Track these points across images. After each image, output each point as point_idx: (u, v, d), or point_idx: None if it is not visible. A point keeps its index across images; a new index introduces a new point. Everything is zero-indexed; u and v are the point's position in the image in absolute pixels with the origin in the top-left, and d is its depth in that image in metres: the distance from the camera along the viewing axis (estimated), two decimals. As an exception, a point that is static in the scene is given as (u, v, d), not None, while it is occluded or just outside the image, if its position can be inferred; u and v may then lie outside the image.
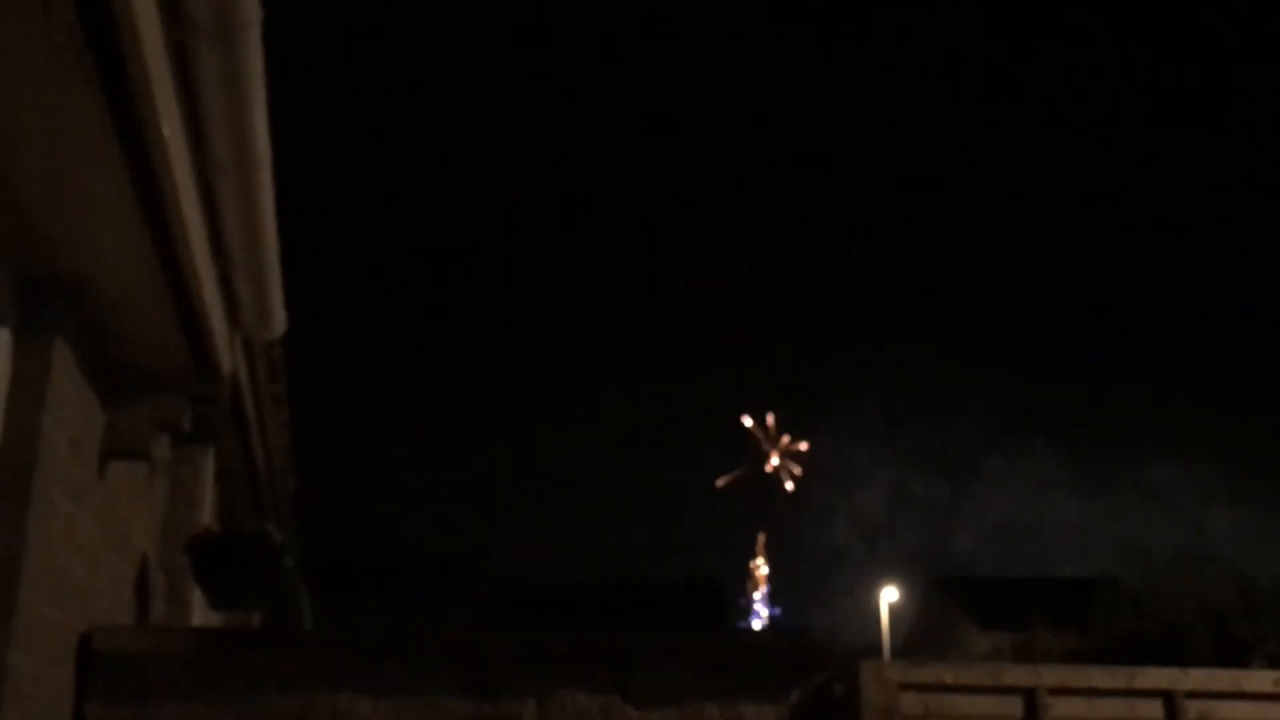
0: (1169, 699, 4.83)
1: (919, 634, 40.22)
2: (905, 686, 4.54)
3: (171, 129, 2.83)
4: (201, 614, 5.76)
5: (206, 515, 5.82)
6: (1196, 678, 4.99)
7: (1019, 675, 4.78)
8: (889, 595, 35.86)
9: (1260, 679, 5.21)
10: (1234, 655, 8.84)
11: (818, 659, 4.58)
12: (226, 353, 4.26)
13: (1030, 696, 4.67)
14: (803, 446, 71.93)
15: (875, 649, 32.48)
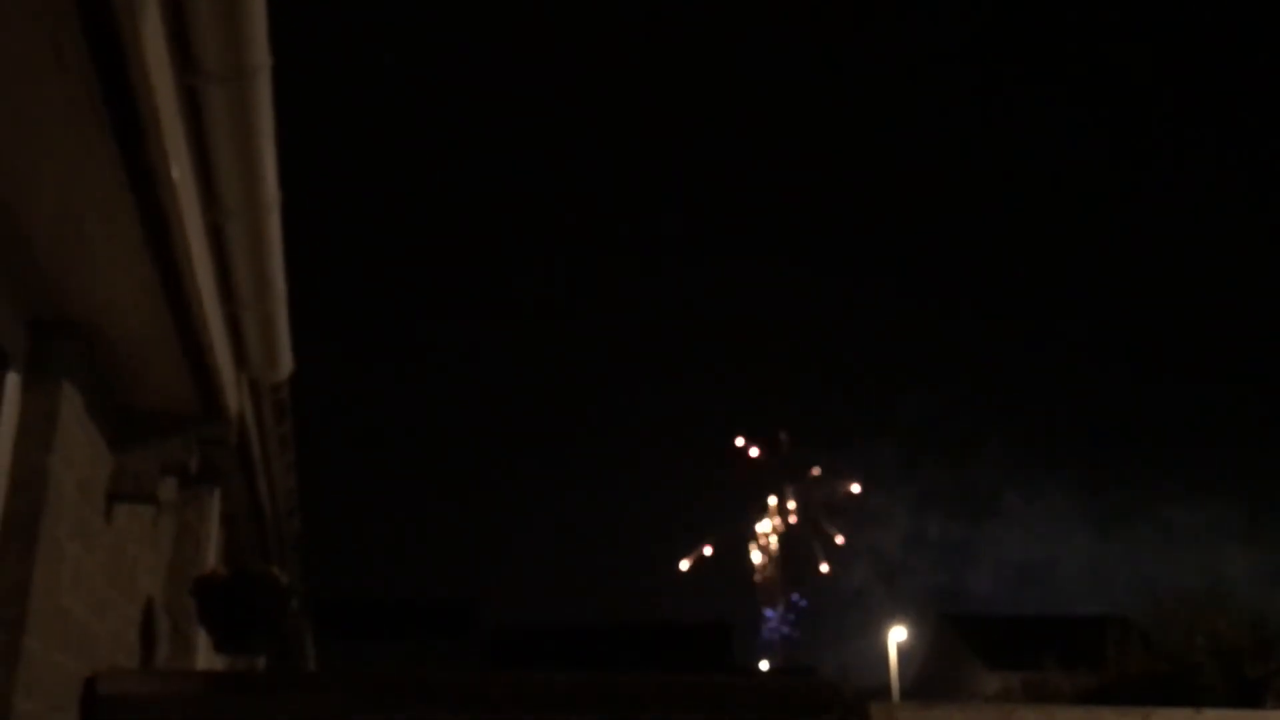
0: (1183, 739, 4.79)
1: (928, 673, 39.86)
2: (915, 728, 4.50)
3: (181, 173, 2.86)
4: (206, 656, 5.73)
5: (212, 557, 5.81)
6: (1210, 718, 4.94)
7: (1031, 716, 4.75)
8: (897, 635, 35.58)
9: (1276, 719, 5.17)
10: (1246, 694, 8.72)
11: (827, 701, 4.54)
12: (233, 395, 4.27)
13: (1042, 737, 4.63)
14: (854, 488, 68.54)
15: (886, 689, 32.16)
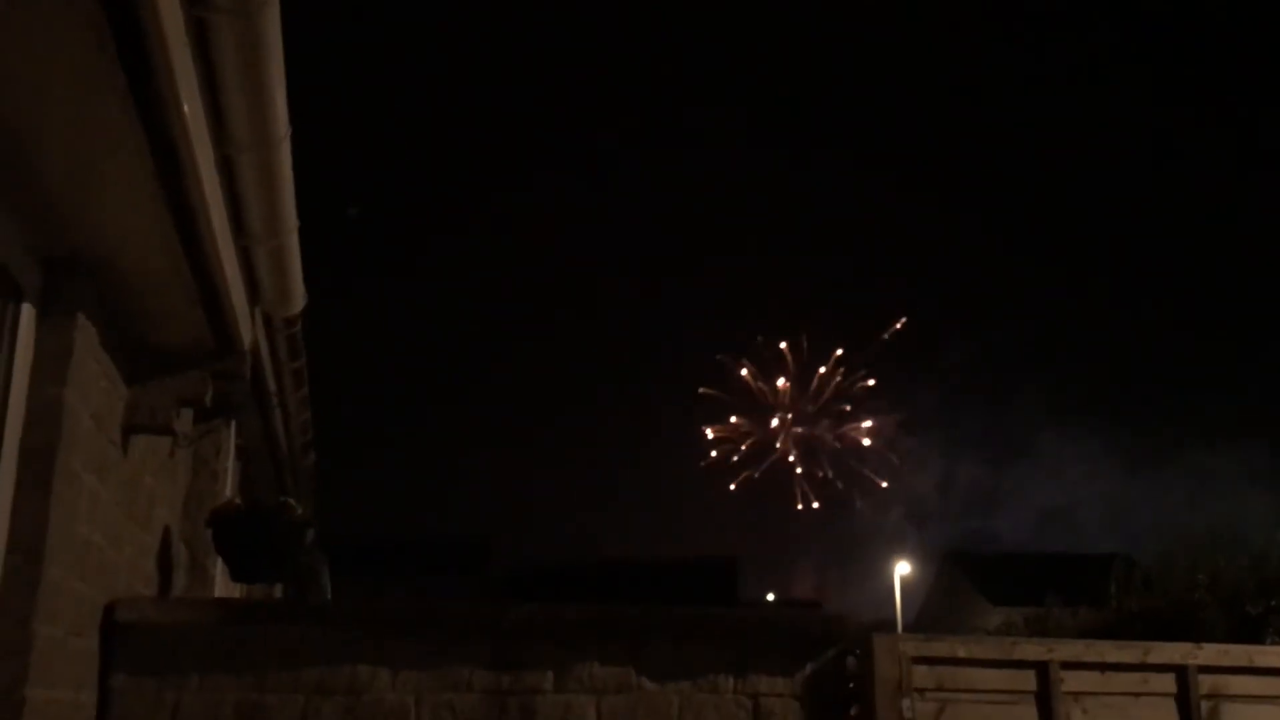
0: (1181, 673, 4.86)
1: (933, 609, 40.32)
2: (918, 660, 4.57)
3: (192, 107, 2.86)
4: (223, 586, 5.83)
5: (228, 490, 5.89)
6: (1209, 653, 5.01)
7: (1031, 649, 4.81)
8: (901, 569, 35.94)
9: (1272, 654, 5.23)
10: (1247, 630, 8.85)
11: (831, 633, 4.61)
12: (247, 329, 4.30)
13: (1043, 670, 4.70)
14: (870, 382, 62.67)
15: (891, 624, 32.58)
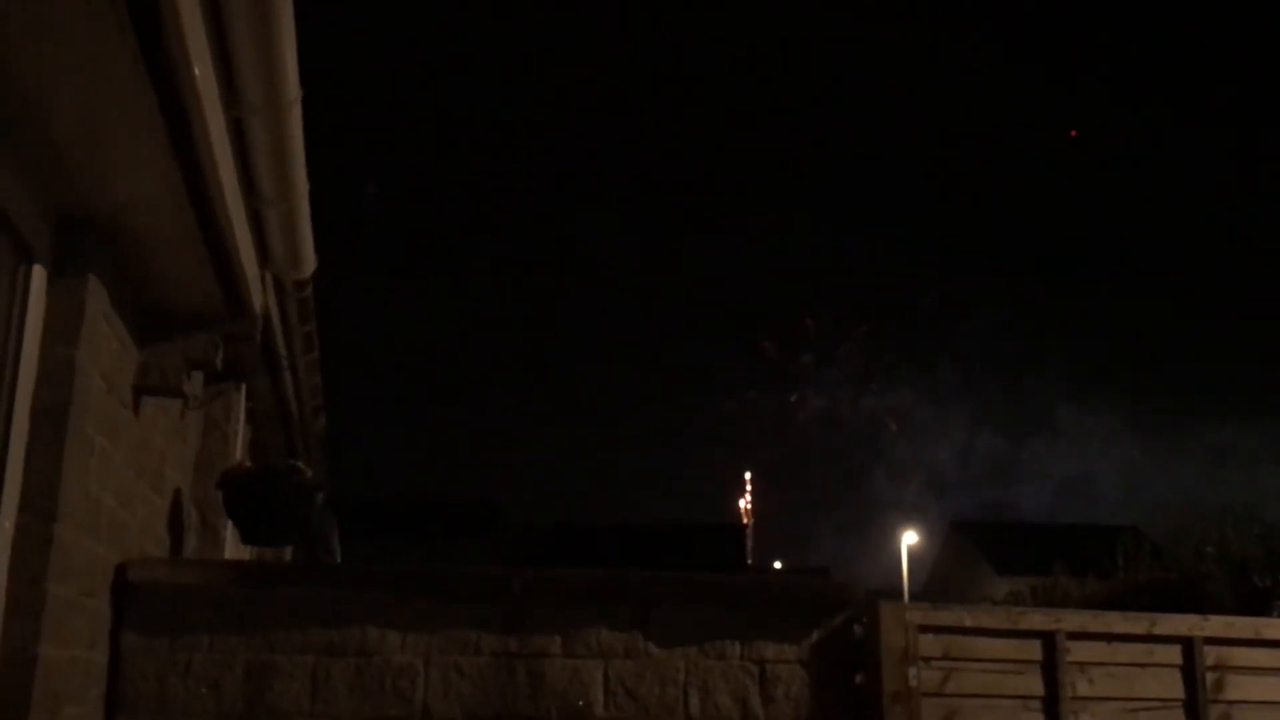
0: (1188, 645, 4.86)
1: (941, 578, 40.49)
2: (924, 628, 4.59)
3: (202, 68, 2.84)
4: (233, 548, 5.88)
5: (239, 452, 5.92)
6: (1216, 625, 5.01)
7: (1038, 619, 4.82)
8: (909, 539, 36.06)
9: (1279, 627, 5.23)
10: (1254, 603, 8.86)
11: (839, 600, 4.63)
12: (257, 292, 4.30)
13: (1049, 640, 4.71)
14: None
15: (898, 592, 32.72)
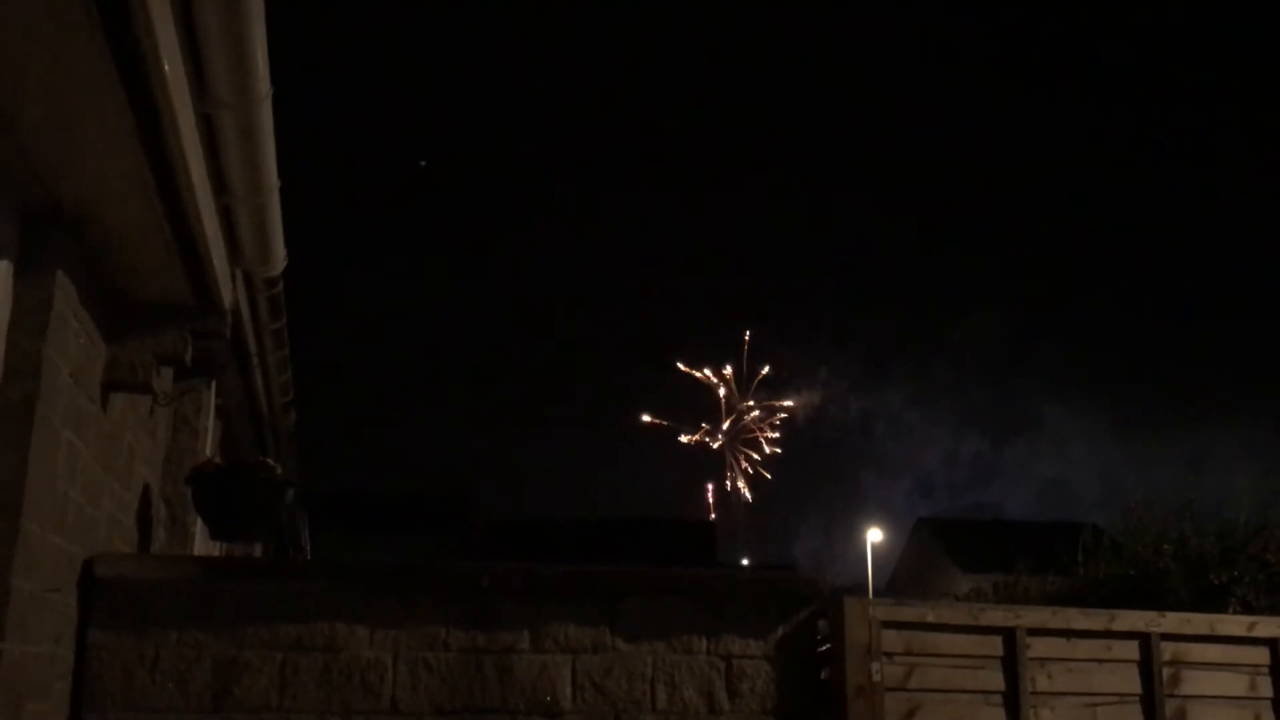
0: (1145, 641, 4.96)
1: (906, 576, 40.81)
2: (888, 624, 4.65)
3: (172, 63, 2.84)
4: (203, 544, 5.86)
5: (208, 448, 5.89)
6: (1172, 620, 5.12)
7: (998, 616, 4.90)
8: (873, 536, 36.34)
9: (1234, 623, 5.35)
10: (1211, 598, 9.00)
11: (804, 596, 4.68)
12: (227, 287, 4.29)
13: (1010, 636, 4.79)
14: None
15: (863, 588, 32.95)
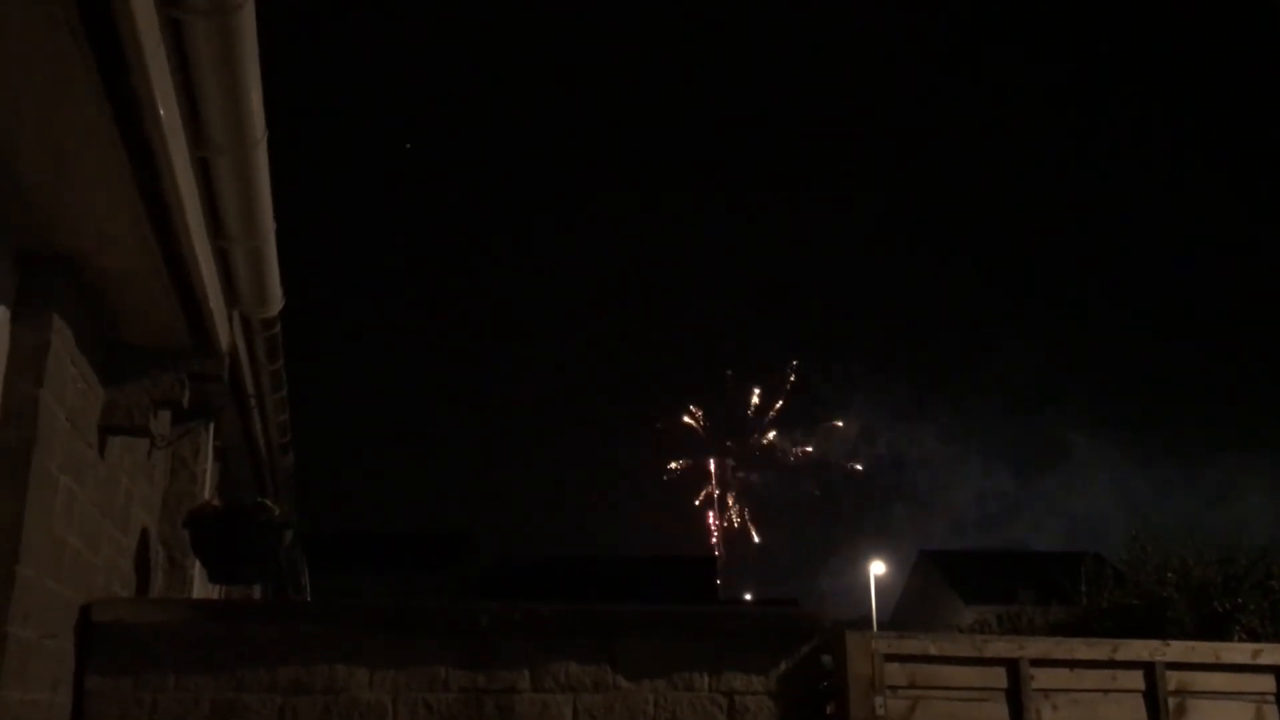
0: (1149, 670, 4.92)
1: (909, 608, 40.56)
2: (890, 657, 4.62)
3: (166, 106, 2.86)
4: (201, 587, 5.82)
5: (207, 490, 5.87)
6: (1177, 649, 5.08)
7: (1002, 647, 4.87)
8: (876, 569, 36.13)
9: (1238, 651, 5.31)
10: (1214, 626, 8.94)
11: (806, 630, 4.65)
12: (225, 330, 4.30)
13: (1014, 667, 4.75)
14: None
15: (867, 621, 32.74)
